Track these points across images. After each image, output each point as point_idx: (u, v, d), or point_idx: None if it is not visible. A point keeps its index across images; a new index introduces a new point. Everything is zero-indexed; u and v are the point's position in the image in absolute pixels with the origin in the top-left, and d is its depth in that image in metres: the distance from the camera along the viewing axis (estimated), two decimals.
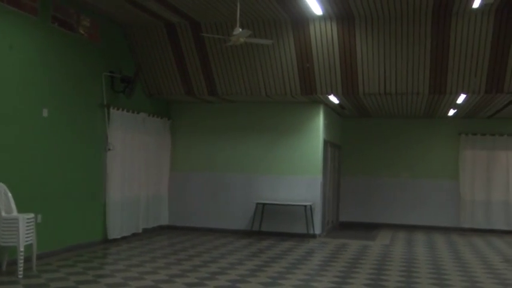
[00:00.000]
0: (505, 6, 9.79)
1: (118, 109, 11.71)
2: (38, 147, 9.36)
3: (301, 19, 10.87)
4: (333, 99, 12.85)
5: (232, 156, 14.02)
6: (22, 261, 7.81)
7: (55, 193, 9.83)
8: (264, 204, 13.41)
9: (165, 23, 11.58)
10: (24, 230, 7.92)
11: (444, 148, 16.65)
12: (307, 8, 10.01)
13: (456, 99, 12.48)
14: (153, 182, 13.44)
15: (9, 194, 8.16)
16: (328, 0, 9.63)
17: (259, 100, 13.37)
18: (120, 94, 11.86)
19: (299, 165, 13.52)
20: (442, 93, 11.36)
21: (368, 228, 15.97)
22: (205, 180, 14.18)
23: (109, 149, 11.42)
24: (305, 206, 13.05)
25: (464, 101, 12.61)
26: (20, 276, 7.78)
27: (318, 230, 13.44)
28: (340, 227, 16.42)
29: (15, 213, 8.10)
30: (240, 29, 8.78)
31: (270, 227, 13.60)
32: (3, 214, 7.95)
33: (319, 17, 10.69)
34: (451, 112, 15.07)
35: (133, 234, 12.48)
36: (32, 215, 8.21)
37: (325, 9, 10.15)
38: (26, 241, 7.99)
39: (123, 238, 12.00)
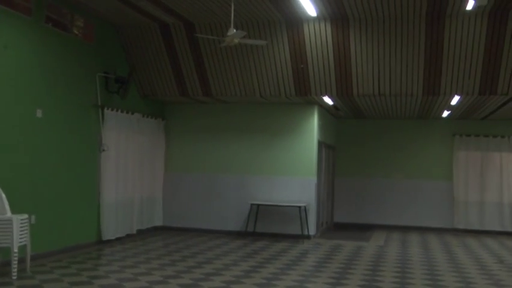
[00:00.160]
0: (498, 9, 9.83)
1: (112, 110, 11.69)
2: (31, 148, 9.34)
3: (295, 20, 10.88)
4: (327, 100, 12.86)
5: (226, 157, 14.02)
6: (16, 262, 7.79)
7: (49, 194, 9.81)
8: (258, 205, 13.41)
9: (159, 24, 11.57)
10: (18, 231, 7.89)
11: (438, 149, 16.70)
12: (302, 9, 10.02)
13: (450, 101, 12.52)
14: (147, 182, 13.42)
15: (3, 195, 8.12)
16: (323, 1, 9.64)
17: (254, 101, 13.37)
18: (115, 95, 11.84)
19: (293, 166, 13.53)
20: (436, 94, 11.39)
21: (362, 229, 15.99)
22: (199, 181, 14.17)
23: (103, 150, 11.40)
24: (299, 207, 13.06)
25: (458, 102, 12.65)
26: (14, 278, 7.76)
27: (312, 231, 13.45)
28: (334, 228, 16.43)
29: (9, 214, 8.06)
30: (234, 30, 8.77)
31: (264, 228, 13.60)
32: None
33: (314, 18, 10.70)
34: (445, 113, 15.12)
35: (128, 235, 12.46)
36: (25, 216, 8.18)
37: (319, 10, 10.16)
38: (20, 242, 7.96)
39: (117, 239, 11.98)
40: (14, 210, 8.32)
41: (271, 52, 11.46)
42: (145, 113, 13.31)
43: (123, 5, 10.30)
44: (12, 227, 7.80)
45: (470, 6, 9.33)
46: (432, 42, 10.59)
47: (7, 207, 8.12)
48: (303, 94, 12.04)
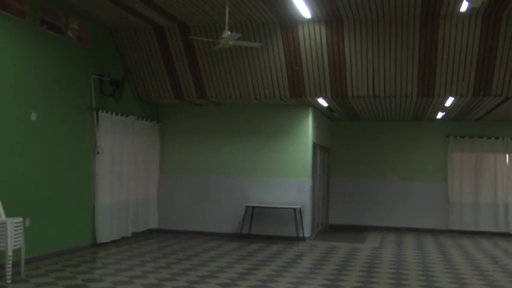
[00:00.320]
0: (492, 10, 9.87)
1: (107, 112, 11.68)
2: (26, 151, 9.31)
3: (290, 22, 10.89)
4: (322, 102, 12.88)
5: (221, 160, 14.01)
6: (10, 265, 7.76)
7: (43, 197, 9.78)
8: (253, 207, 13.40)
9: (153, 26, 11.56)
10: (13, 234, 7.87)
11: (433, 150, 16.73)
12: (296, 11, 10.03)
13: (444, 102, 12.55)
14: (142, 185, 13.40)
15: None
16: (317, 3, 9.66)
17: (249, 103, 13.37)
18: (109, 97, 11.82)
19: (288, 168, 13.53)
20: (430, 96, 11.41)
21: (357, 231, 16.01)
22: (194, 183, 14.15)
23: (98, 153, 11.38)
24: (294, 208, 13.05)
25: (453, 103, 12.68)
26: (8, 281, 7.73)
27: (307, 233, 13.45)
28: (329, 230, 16.44)
29: (3, 217, 8.04)
30: (229, 32, 8.78)
31: (260, 230, 13.60)
32: None
33: (308, 20, 10.71)
34: (440, 115, 15.16)
35: (123, 238, 12.44)
36: (20, 219, 8.15)
37: (313, 12, 10.18)
38: (14, 245, 7.93)
39: (112, 242, 11.96)
40: (8, 213, 8.30)
41: (265, 54, 11.47)
42: (140, 116, 13.29)
43: (117, 7, 10.28)
44: (6, 230, 7.77)
45: (464, 7, 9.36)
46: (426, 43, 10.62)
47: (1, 210, 8.10)
48: (298, 96, 12.05)
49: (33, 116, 9.46)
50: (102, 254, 10.77)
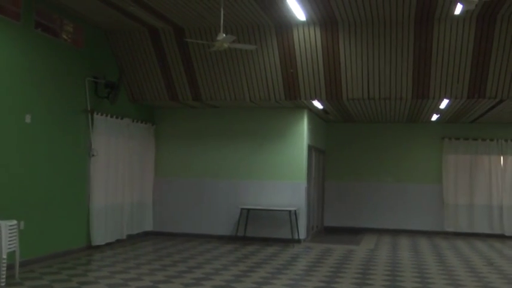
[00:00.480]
0: (486, 13, 9.90)
1: (102, 114, 11.66)
2: (20, 154, 9.29)
3: (284, 24, 10.90)
4: (317, 104, 12.89)
5: (216, 162, 14.00)
6: (5, 268, 7.74)
7: (38, 199, 9.76)
8: (248, 209, 13.40)
9: (148, 29, 11.56)
10: (7, 237, 7.85)
11: (427, 152, 16.76)
12: (291, 13, 10.05)
13: (439, 104, 12.58)
14: (137, 187, 13.38)
15: None
16: (312, 5, 9.68)
17: (244, 105, 13.38)
18: (104, 100, 11.81)
19: (283, 170, 13.54)
20: (425, 98, 11.44)
21: (353, 233, 16.01)
22: (189, 185, 14.14)
23: (93, 155, 11.36)
24: (289, 211, 13.06)
25: (447, 106, 12.71)
26: (3, 284, 7.70)
27: (302, 235, 13.46)
28: (324, 232, 16.45)
29: None
30: (224, 35, 8.78)
31: (255, 232, 13.59)
32: None
33: (303, 23, 10.73)
34: (434, 117, 15.19)
35: (118, 241, 12.41)
36: (14, 222, 8.13)
37: (308, 14, 10.20)
38: (9, 248, 7.92)
39: (107, 244, 11.93)
40: (3, 215, 8.27)
41: (260, 56, 11.48)
42: (135, 118, 13.28)
43: (112, 10, 10.28)
44: (1, 233, 7.75)
45: (458, 10, 9.39)
46: (421, 46, 10.65)
47: None
48: (293, 98, 12.06)
49: (28, 119, 9.44)
50: (97, 256, 10.75)
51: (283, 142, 13.61)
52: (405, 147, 16.91)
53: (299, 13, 9.85)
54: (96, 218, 11.44)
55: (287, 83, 11.79)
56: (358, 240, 14.46)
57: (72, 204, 10.86)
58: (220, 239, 13.66)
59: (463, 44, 10.48)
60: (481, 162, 16.36)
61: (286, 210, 13.09)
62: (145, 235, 13.89)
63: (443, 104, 12.42)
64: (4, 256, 7.73)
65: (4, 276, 7.72)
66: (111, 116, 12.04)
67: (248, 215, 13.54)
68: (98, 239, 11.54)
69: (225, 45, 8.77)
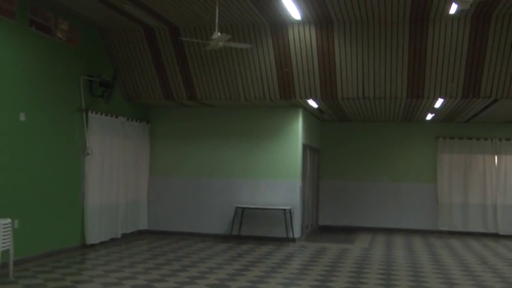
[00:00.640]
0: (480, 13, 9.93)
1: (96, 113, 11.64)
2: (15, 152, 9.27)
3: (280, 24, 10.91)
4: (312, 103, 12.90)
5: (211, 161, 14.00)
6: None
7: (32, 198, 9.73)
8: (243, 208, 13.40)
9: (143, 27, 11.54)
10: (1, 236, 7.83)
11: (422, 152, 16.80)
12: (286, 12, 10.05)
13: (434, 104, 12.61)
14: (131, 186, 13.37)
15: None
16: (307, 5, 9.68)
17: (238, 104, 13.38)
18: (99, 98, 11.79)
19: (278, 169, 13.54)
20: (420, 97, 11.47)
21: (347, 232, 16.04)
22: (184, 184, 14.14)
23: (87, 154, 11.34)
24: (284, 210, 13.07)
25: (442, 105, 12.74)
26: None
27: (297, 234, 13.47)
28: (319, 231, 16.47)
29: None
30: (219, 33, 8.78)
31: (249, 231, 13.60)
32: None
33: (298, 22, 10.74)
34: (429, 116, 15.23)
35: (112, 239, 12.40)
36: (8, 220, 8.12)
37: (303, 13, 10.20)
38: (3, 247, 7.90)
39: (102, 243, 11.92)
40: None
41: (255, 55, 11.48)
42: (130, 117, 13.26)
43: (107, 8, 10.26)
44: None
45: (453, 10, 9.41)
46: (416, 45, 10.66)
47: None
48: (288, 97, 12.07)
49: (22, 117, 9.42)
50: (92, 255, 10.73)
51: (278, 141, 13.61)
52: (400, 146, 16.94)
53: (294, 12, 9.86)
54: (90, 216, 11.43)
55: (282, 82, 11.80)
56: (353, 239, 14.48)
57: (67, 202, 10.84)
58: (215, 237, 13.66)
59: (458, 43, 10.51)
60: (476, 162, 16.41)
61: (281, 209, 13.10)
62: (140, 234, 13.88)
63: (438, 103, 12.45)
64: None
65: None
66: (106, 115, 12.02)
67: (243, 214, 13.54)
68: (93, 237, 11.53)
69: (220, 44, 8.77)
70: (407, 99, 11.83)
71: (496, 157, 16.32)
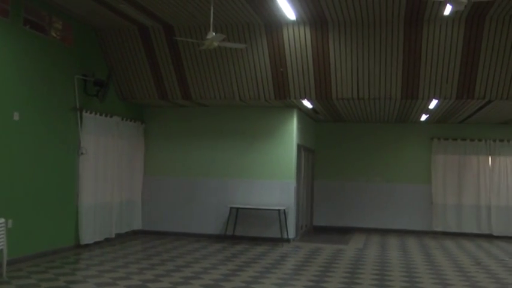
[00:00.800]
0: (475, 14, 9.95)
1: (91, 113, 11.61)
2: (8, 151, 9.23)
3: (274, 24, 10.90)
4: (307, 103, 12.90)
5: (206, 161, 13.99)
6: None
7: (26, 198, 9.70)
8: (237, 208, 13.39)
9: (138, 27, 11.52)
10: None
11: (416, 152, 16.83)
12: (281, 12, 10.05)
13: (428, 105, 12.63)
14: (126, 186, 13.34)
15: None
16: (302, 5, 9.68)
17: (233, 104, 13.37)
18: (93, 98, 11.75)
19: (273, 169, 13.54)
20: (414, 98, 11.48)
21: (341, 232, 16.05)
22: (178, 184, 14.12)
23: (81, 153, 11.31)
24: (279, 210, 13.07)
25: (436, 106, 12.76)
26: None
27: (291, 234, 13.46)
28: (313, 231, 16.47)
29: None
30: (214, 33, 8.77)
31: (244, 232, 13.59)
32: None
33: (293, 22, 10.74)
34: (423, 117, 15.26)
35: (106, 239, 12.37)
36: (2, 220, 8.09)
37: (298, 14, 10.20)
38: None
39: (96, 243, 11.89)
40: None
41: (250, 55, 11.47)
42: (125, 116, 13.23)
43: (102, 8, 10.24)
44: None
45: (447, 11, 9.42)
46: (410, 46, 10.68)
47: None
48: (282, 97, 12.07)
49: (16, 116, 9.38)
50: (86, 255, 10.70)
51: (273, 141, 13.61)
52: (394, 147, 16.97)
53: (289, 12, 9.86)
54: (84, 216, 11.39)
55: (277, 82, 11.80)
56: (347, 239, 14.49)
57: (61, 202, 10.81)
58: (209, 238, 13.64)
59: (452, 44, 10.53)
60: (470, 163, 16.45)
61: (276, 210, 13.09)
62: (134, 234, 13.85)
63: (433, 104, 12.47)
64: None
65: None
66: (100, 114, 11.99)
67: (237, 214, 13.53)
68: (87, 237, 11.49)
69: (215, 43, 8.76)
70: (402, 100, 11.84)
71: (490, 158, 16.37)
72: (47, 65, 10.29)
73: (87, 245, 11.53)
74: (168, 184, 14.18)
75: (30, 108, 9.77)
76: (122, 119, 13.05)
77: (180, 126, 14.23)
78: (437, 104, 12.40)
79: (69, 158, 11.07)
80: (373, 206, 16.87)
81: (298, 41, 11.02)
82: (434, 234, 16.29)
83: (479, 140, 16.42)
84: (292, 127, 13.59)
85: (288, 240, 13.30)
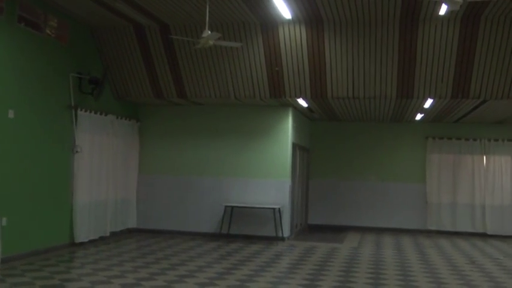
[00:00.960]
0: (470, 14, 9.97)
1: (86, 111, 11.59)
2: (3, 149, 9.21)
3: (270, 22, 10.90)
4: (302, 102, 12.91)
5: (201, 159, 13.99)
6: None
7: (21, 196, 9.68)
8: (232, 207, 13.40)
9: (133, 25, 11.51)
10: None
11: (411, 152, 16.86)
12: (277, 11, 10.05)
13: (423, 104, 12.65)
14: (121, 184, 13.32)
15: None
16: (297, 4, 9.69)
17: (228, 103, 13.37)
18: (88, 96, 11.73)
19: (268, 168, 13.55)
20: (410, 97, 11.50)
21: (336, 231, 16.07)
22: (173, 183, 14.11)
23: (76, 152, 11.29)
24: (274, 208, 13.08)
25: (431, 105, 12.79)
26: None
27: (286, 233, 13.48)
28: (308, 230, 16.49)
29: None
30: (209, 32, 8.76)
31: (239, 230, 13.60)
32: None
33: (288, 21, 10.74)
34: (419, 116, 15.28)
35: (101, 238, 12.36)
36: None
37: (294, 13, 10.21)
38: None
39: (91, 241, 11.87)
40: None
41: (246, 54, 11.47)
42: (120, 115, 13.21)
43: (97, 6, 10.22)
44: None
45: (443, 11, 9.44)
46: (406, 45, 10.70)
47: None
48: (278, 96, 12.08)
49: (11, 114, 9.36)
50: (80, 253, 10.69)
51: (268, 140, 13.62)
52: (389, 146, 17.00)
53: (285, 11, 9.86)
54: (79, 214, 11.38)
55: (272, 81, 11.80)
56: (342, 238, 14.51)
57: (55, 200, 10.79)
58: (204, 236, 13.65)
59: (448, 44, 10.55)
60: (464, 162, 16.49)
61: (270, 208, 13.10)
62: (129, 232, 13.84)
63: (428, 103, 12.49)
64: None
65: None
66: (95, 113, 11.98)
67: (232, 213, 13.54)
68: (81, 236, 11.48)
69: (210, 42, 8.76)
70: (397, 99, 11.87)
71: (484, 157, 16.41)
72: (42, 63, 10.27)
73: (82, 243, 11.52)
74: (163, 182, 14.17)
75: (25, 106, 9.75)
76: (117, 117, 13.04)
77: (175, 125, 14.23)
78: (432, 103, 12.43)
79: (64, 156, 11.05)
80: (368, 205, 16.90)
81: (293, 40, 11.03)
82: (429, 233, 16.33)
83: (474, 140, 16.47)
84: (288, 126, 13.60)
85: (282, 239, 13.32)
